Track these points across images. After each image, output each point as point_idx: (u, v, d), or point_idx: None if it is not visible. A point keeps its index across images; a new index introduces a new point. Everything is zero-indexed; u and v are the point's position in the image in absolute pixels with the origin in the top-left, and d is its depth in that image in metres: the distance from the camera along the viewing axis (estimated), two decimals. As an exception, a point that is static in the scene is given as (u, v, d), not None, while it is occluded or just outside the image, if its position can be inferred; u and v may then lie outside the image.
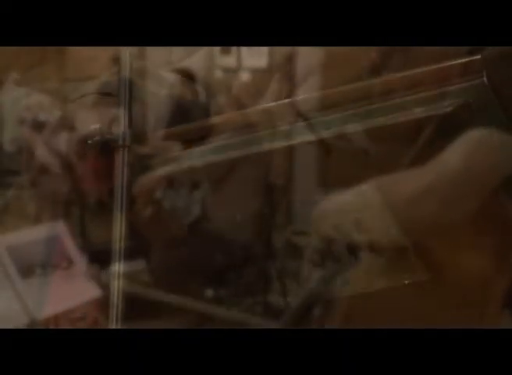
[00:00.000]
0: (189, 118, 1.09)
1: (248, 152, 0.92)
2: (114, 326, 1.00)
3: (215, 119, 1.00)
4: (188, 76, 1.19)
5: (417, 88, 0.76)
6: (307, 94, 0.88)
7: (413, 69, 0.77)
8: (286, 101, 0.89)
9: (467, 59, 0.74)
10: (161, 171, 1.07)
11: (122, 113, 1.04)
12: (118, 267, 1.09)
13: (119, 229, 1.03)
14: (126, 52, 1.00)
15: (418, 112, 0.76)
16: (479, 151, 0.74)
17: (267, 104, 0.92)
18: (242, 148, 0.93)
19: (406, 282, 0.76)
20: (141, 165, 1.07)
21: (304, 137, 0.86)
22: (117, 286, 1.05)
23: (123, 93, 1.02)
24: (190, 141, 1.03)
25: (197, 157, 1.01)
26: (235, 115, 0.95)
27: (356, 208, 0.75)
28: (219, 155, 0.97)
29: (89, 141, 1.08)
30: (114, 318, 1.00)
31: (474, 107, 0.73)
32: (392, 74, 0.80)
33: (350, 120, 0.81)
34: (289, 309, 0.83)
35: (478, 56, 0.73)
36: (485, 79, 0.72)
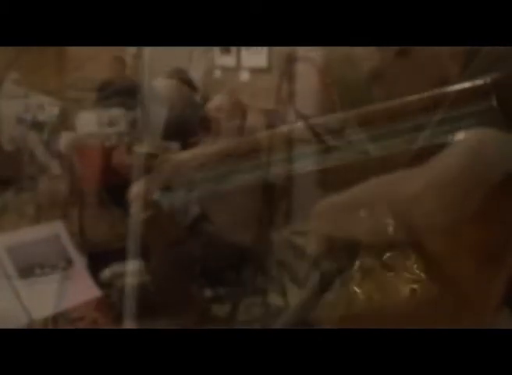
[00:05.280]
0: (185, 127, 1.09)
1: (254, 179, 0.92)
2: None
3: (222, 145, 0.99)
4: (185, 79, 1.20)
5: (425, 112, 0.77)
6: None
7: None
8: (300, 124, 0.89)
9: (476, 84, 0.74)
10: (157, 177, 1.07)
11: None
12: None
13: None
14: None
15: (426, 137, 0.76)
16: (479, 151, 0.74)
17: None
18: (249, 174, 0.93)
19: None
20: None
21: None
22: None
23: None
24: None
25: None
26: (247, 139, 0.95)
27: (356, 207, 0.75)
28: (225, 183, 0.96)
29: (107, 143, 1.09)
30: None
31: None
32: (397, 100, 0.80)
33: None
34: (288, 309, 0.83)
35: (488, 80, 0.73)
36: (494, 102, 0.72)
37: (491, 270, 0.77)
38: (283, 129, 0.90)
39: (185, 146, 1.17)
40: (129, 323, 1.01)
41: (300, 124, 0.89)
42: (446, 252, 0.76)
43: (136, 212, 1.08)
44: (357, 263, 0.75)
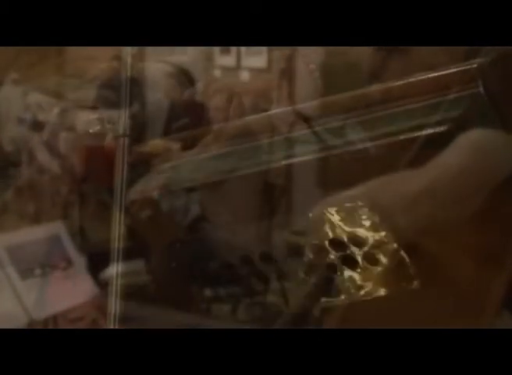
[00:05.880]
0: (185, 118, 1.09)
1: (249, 162, 0.92)
2: (112, 326, 1.00)
3: (217, 127, 0.99)
4: (185, 75, 1.19)
5: (413, 98, 0.76)
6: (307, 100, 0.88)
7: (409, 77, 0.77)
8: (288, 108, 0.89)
9: (462, 68, 0.73)
10: (158, 179, 1.07)
11: (121, 110, 1.04)
12: (116, 267, 1.08)
13: (117, 229, 1.03)
14: (127, 52, 1.00)
15: (413, 125, 0.76)
16: (478, 152, 0.74)
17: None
18: (242, 158, 0.93)
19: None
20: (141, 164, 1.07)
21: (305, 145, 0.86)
22: (116, 286, 1.05)
23: (123, 91, 1.02)
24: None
25: (196, 165, 1.01)
26: (237, 122, 0.95)
27: (356, 207, 0.75)
28: (219, 164, 0.96)
29: (90, 130, 1.08)
30: (112, 318, 1.00)
31: (468, 117, 0.73)
32: (390, 82, 0.80)
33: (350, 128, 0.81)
34: (288, 309, 0.83)
35: (474, 65, 0.73)
36: (480, 89, 0.72)
37: (490, 271, 0.77)
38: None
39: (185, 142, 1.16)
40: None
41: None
42: (446, 252, 0.76)
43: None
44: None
